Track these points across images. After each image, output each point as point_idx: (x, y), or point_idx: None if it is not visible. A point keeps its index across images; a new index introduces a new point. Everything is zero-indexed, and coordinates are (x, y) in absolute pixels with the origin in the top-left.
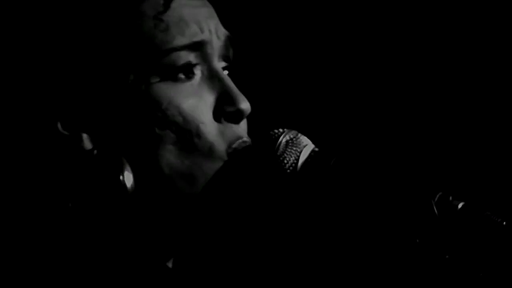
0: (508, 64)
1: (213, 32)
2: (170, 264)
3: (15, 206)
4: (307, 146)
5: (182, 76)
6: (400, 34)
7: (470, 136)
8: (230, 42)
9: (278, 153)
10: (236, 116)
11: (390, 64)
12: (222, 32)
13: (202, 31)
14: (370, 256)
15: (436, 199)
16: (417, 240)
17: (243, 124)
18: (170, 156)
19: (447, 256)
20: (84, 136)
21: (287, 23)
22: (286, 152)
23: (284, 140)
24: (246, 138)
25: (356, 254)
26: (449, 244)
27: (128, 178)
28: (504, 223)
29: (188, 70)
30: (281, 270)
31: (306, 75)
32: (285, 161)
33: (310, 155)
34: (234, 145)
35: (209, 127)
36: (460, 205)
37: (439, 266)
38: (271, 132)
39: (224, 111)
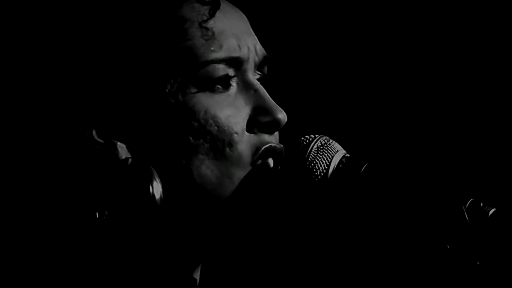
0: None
1: (252, 49)
2: (197, 276)
3: (46, 211)
4: (338, 152)
5: (219, 87)
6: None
7: (502, 142)
8: (266, 61)
9: (309, 159)
10: (272, 126)
11: (420, 73)
12: (260, 51)
13: (240, 47)
14: (401, 262)
15: (467, 205)
16: (448, 246)
17: (275, 134)
18: (201, 165)
19: (478, 263)
20: (119, 144)
21: (312, 28)
22: (317, 158)
23: (315, 146)
24: (276, 144)
25: (386, 260)
26: (480, 250)
27: (157, 190)
28: None
29: (225, 82)
30: (310, 276)
31: (337, 82)
32: (316, 167)
33: (341, 161)
34: (261, 150)
35: (242, 137)
36: (491, 212)
37: (470, 272)
38: (302, 138)
39: (260, 121)
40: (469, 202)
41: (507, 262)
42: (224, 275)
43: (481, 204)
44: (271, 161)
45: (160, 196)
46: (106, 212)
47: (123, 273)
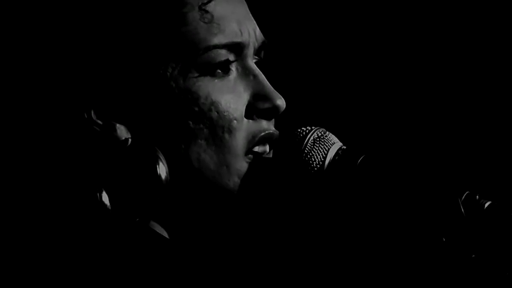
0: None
1: (252, 34)
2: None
3: (47, 194)
4: (335, 144)
5: (219, 71)
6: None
7: (498, 136)
8: (264, 46)
9: (306, 151)
10: (271, 112)
11: (416, 65)
12: (259, 36)
13: (242, 32)
14: (397, 255)
15: (463, 198)
16: (444, 239)
17: (272, 120)
18: (200, 150)
19: (473, 255)
20: (118, 125)
21: (311, 21)
22: (314, 149)
23: (311, 138)
24: (273, 130)
25: (382, 253)
26: (476, 243)
27: (163, 170)
28: None
29: (225, 67)
30: (301, 269)
31: (334, 74)
32: (313, 159)
33: (337, 153)
34: (258, 137)
35: (241, 124)
36: (487, 204)
37: (466, 265)
38: (298, 130)
39: (259, 107)
40: (465, 194)
41: (502, 254)
42: (220, 265)
43: (477, 197)
44: (267, 148)
45: (166, 176)
46: (108, 194)
47: (126, 258)
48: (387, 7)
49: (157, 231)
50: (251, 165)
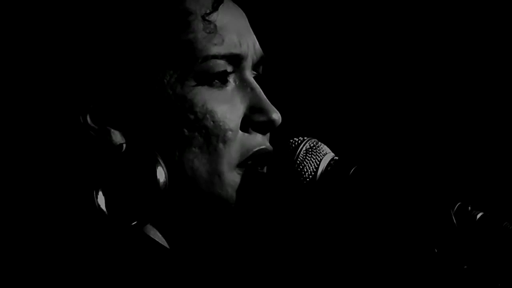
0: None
1: (251, 47)
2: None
3: (42, 197)
4: (327, 155)
5: (217, 81)
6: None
7: (490, 147)
8: (262, 60)
9: (298, 161)
10: (266, 126)
11: (407, 78)
12: (258, 50)
13: (241, 44)
14: (389, 265)
15: (455, 209)
16: (436, 250)
17: (267, 134)
18: (194, 159)
19: (465, 266)
20: (113, 131)
21: (307, 29)
22: (306, 160)
23: (304, 149)
24: (267, 146)
25: (375, 263)
26: (468, 254)
27: (161, 174)
28: None
29: (223, 77)
30: (296, 278)
31: (327, 84)
32: (305, 170)
33: (329, 163)
34: (251, 152)
35: (235, 135)
36: (479, 215)
37: (458, 276)
38: (291, 140)
39: (254, 120)
40: (457, 205)
41: (494, 265)
42: (214, 271)
43: (469, 208)
44: (260, 164)
45: (165, 180)
46: (105, 198)
47: (121, 262)
48: (376, 29)
49: (152, 236)
50: (244, 176)
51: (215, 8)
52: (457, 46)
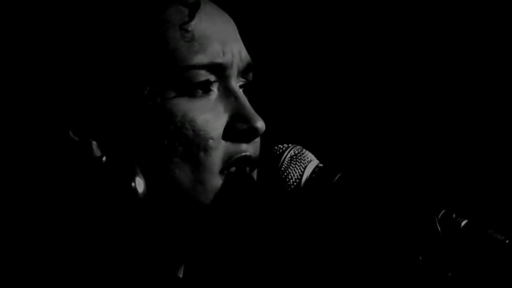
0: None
1: (236, 55)
2: (180, 274)
3: (22, 210)
4: (311, 162)
5: (199, 91)
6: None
7: (475, 154)
8: (250, 67)
9: (282, 169)
10: (249, 134)
11: (394, 82)
12: (245, 57)
13: (224, 53)
14: (373, 272)
15: (439, 216)
16: (420, 257)
17: (254, 143)
18: (176, 169)
19: (449, 274)
20: (94, 143)
21: (293, 37)
22: (290, 167)
23: (288, 156)
24: (251, 153)
25: (358, 270)
26: (452, 261)
27: (139, 185)
28: (507, 241)
29: (205, 87)
30: (281, 284)
31: (312, 91)
32: (289, 177)
33: (314, 170)
34: (233, 159)
35: (217, 144)
36: (463, 223)
37: (442, 284)
38: (275, 148)
39: (237, 129)
40: (441, 213)
41: (479, 273)
42: (207, 274)
43: (454, 215)
44: (243, 170)
45: (143, 191)
46: (86, 210)
47: (104, 272)
48: (362, 37)
49: (133, 247)
50: (226, 181)
51: (191, 16)
52: (437, 58)
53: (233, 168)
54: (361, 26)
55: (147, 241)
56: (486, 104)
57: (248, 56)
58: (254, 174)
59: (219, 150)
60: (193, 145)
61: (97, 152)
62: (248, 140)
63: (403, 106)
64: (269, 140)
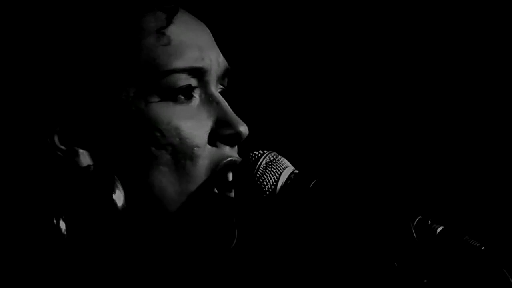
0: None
1: (214, 62)
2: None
3: (4, 217)
4: (287, 168)
5: (181, 97)
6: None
7: (451, 161)
8: (227, 73)
9: (258, 175)
10: (234, 139)
11: (367, 88)
12: (223, 63)
13: (202, 58)
14: (348, 279)
15: (415, 223)
16: (396, 264)
17: (235, 148)
18: (162, 178)
19: (425, 280)
20: (81, 151)
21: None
22: (266, 173)
23: (264, 162)
24: (236, 157)
25: (333, 277)
26: (428, 268)
27: (119, 198)
28: (483, 247)
29: (187, 93)
30: None
31: (288, 98)
32: (265, 183)
33: (289, 177)
34: (220, 165)
35: (203, 151)
36: (439, 229)
37: None
38: (250, 154)
39: (221, 134)
40: (417, 219)
41: (454, 280)
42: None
43: (429, 222)
44: (230, 176)
45: (123, 204)
46: (65, 222)
47: (84, 282)
48: (342, 41)
49: (114, 258)
50: (212, 198)
51: (169, 21)
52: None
53: (219, 175)
54: (337, 32)
55: (126, 251)
56: (459, 111)
57: (226, 61)
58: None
59: (205, 158)
60: (179, 153)
61: (84, 160)
62: (232, 144)
63: (377, 114)
64: (245, 147)
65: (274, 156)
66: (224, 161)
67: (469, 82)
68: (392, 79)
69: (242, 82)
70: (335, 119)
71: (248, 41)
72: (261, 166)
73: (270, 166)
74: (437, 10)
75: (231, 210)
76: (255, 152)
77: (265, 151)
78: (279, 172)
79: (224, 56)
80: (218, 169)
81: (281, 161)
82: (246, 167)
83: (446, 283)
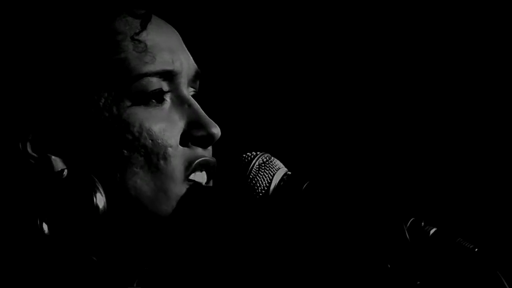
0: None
1: (185, 64)
2: (136, 285)
3: None
4: (280, 170)
5: (153, 101)
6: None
7: (445, 163)
8: (198, 76)
9: (251, 176)
10: (206, 140)
11: (358, 88)
12: (193, 65)
13: (173, 61)
14: (341, 280)
15: (408, 224)
16: (389, 265)
17: (209, 148)
18: (136, 178)
19: (418, 282)
20: (53, 158)
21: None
22: (259, 175)
23: (257, 163)
24: (209, 157)
25: (326, 278)
26: (421, 269)
27: (100, 200)
28: (476, 249)
29: (159, 97)
30: None
31: (281, 99)
32: (258, 184)
33: (282, 178)
34: (195, 164)
35: (176, 151)
36: (432, 231)
37: None
38: (243, 155)
39: (193, 135)
40: (410, 221)
41: (447, 281)
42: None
43: (422, 223)
44: (204, 176)
45: (104, 206)
46: (48, 225)
47: (66, 284)
48: (334, 42)
49: (95, 261)
50: (189, 190)
51: (143, 26)
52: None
53: (194, 174)
54: (328, 32)
55: (109, 252)
56: (452, 112)
57: (196, 64)
58: (212, 180)
59: (178, 157)
60: (152, 154)
61: (57, 166)
62: (205, 146)
63: (371, 116)
64: (237, 148)
65: (267, 158)
66: (198, 160)
67: (464, 85)
68: (385, 81)
69: (237, 83)
70: (328, 121)
71: (247, 42)
72: (254, 167)
73: (263, 167)
74: (437, 10)
75: (210, 200)
76: (248, 153)
77: (258, 153)
78: (272, 174)
79: (194, 57)
80: (192, 167)
81: (274, 163)
82: (238, 168)
83: (439, 285)
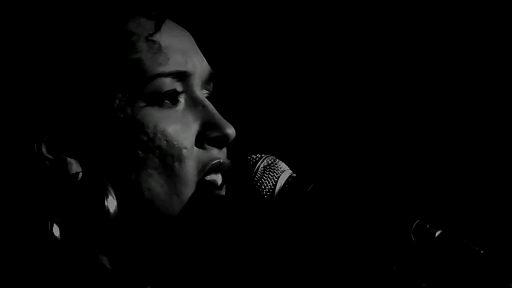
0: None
1: (198, 66)
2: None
3: None
4: (285, 172)
5: (167, 102)
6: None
7: (448, 164)
8: (212, 77)
9: (256, 178)
10: (221, 141)
11: (364, 90)
12: (206, 67)
13: (186, 62)
14: (347, 283)
15: (413, 226)
16: (394, 268)
17: (223, 150)
18: (151, 180)
19: (424, 284)
20: (69, 160)
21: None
22: (264, 177)
23: (261, 166)
24: (224, 159)
25: (332, 281)
26: (427, 272)
27: (111, 204)
28: (482, 251)
29: (173, 98)
30: None
31: (286, 101)
32: (263, 187)
33: (287, 180)
34: (208, 167)
35: (191, 152)
36: (437, 233)
37: None
38: (248, 158)
39: (208, 136)
40: (415, 223)
41: (453, 284)
42: None
43: (428, 225)
44: (219, 178)
45: (115, 210)
46: (59, 227)
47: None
48: (338, 45)
49: (106, 264)
50: (202, 194)
51: (157, 28)
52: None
53: (208, 177)
54: (332, 35)
55: (121, 255)
56: (456, 114)
57: (209, 66)
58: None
59: (192, 159)
60: (167, 155)
61: (73, 168)
62: (220, 146)
63: (375, 118)
64: (242, 151)
65: (272, 160)
66: (212, 163)
67: (466, 86)
68: (389, 83)
69: (242, 86)
70: (333, 123)
71: (245, 45)
72: (259, 169)
73: (268, 169)
74: (437, 10)
75: (222, 207)
76: (253, 155)
77: (263, 155)
78: (277, 176)
79: (207, 60)
80: (206, 170)
81: (279, 165)
82: (244, 171)
83: (445, 287)
